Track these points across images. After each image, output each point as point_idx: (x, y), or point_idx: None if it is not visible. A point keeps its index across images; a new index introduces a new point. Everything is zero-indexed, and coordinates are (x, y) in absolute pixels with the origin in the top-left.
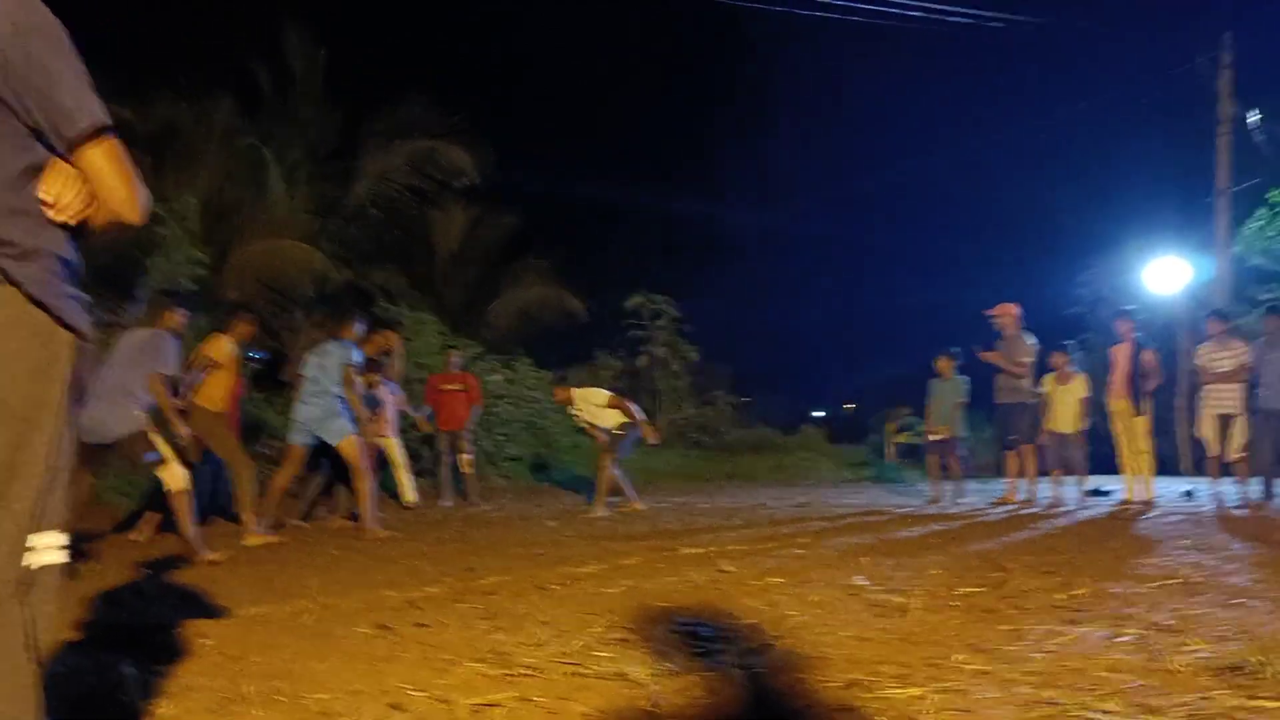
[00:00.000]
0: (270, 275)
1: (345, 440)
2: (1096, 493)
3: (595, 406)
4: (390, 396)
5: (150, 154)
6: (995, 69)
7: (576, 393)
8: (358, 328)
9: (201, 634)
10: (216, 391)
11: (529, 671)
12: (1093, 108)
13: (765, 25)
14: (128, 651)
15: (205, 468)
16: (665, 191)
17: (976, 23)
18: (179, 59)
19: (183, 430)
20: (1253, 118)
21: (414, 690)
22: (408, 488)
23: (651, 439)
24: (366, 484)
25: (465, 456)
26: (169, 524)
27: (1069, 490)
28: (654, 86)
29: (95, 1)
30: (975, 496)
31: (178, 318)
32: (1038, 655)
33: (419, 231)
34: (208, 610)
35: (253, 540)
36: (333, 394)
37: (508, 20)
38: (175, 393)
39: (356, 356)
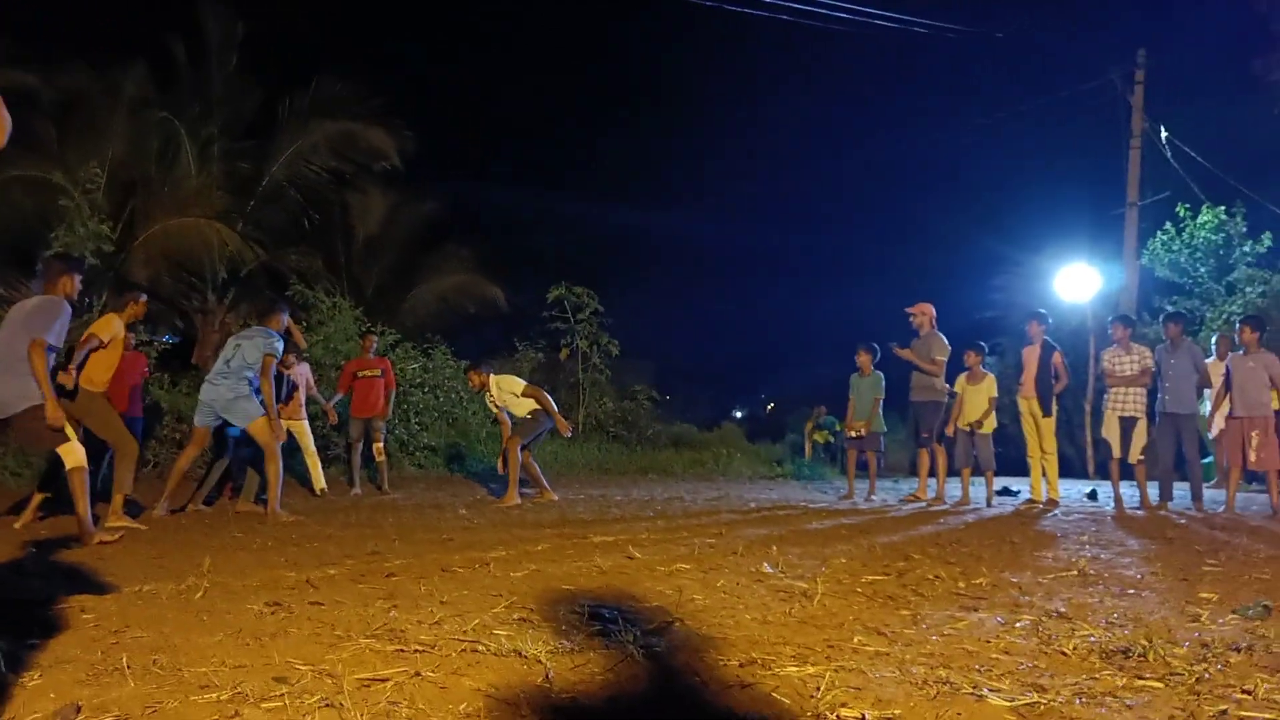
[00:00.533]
0: (180, 253)
1: (254, 423)
2: (1005, 492)
3: (511, 395)
4: (304, 379)
5: (54, 122)
6: (916, 78)
7: (493, 379)
8: (283, 318)
9: (82, 609)
10: (98, 372)
11: (423, 648)
12: (1009, 118)
13: (693, 26)
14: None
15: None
16: (592, 188)
17: (902, 28)
18: (88, 25)
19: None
20: (1164, 134)
21: (301, 664)
22: (318, 475)
23: (565, 432)
24: (276, 467)
25: (379, 445)
26: (67, 504)
27: (978, 488)
28: (579, 82)
29: None
30: (887, 494)
31: (72, 283)
32: (935, 638)
33: (337, 215)
34: (93, 587)
35: (116, 522)
36: (243, 377)
37: (432, 7)
38: (66, 364)
39: (279, 346)
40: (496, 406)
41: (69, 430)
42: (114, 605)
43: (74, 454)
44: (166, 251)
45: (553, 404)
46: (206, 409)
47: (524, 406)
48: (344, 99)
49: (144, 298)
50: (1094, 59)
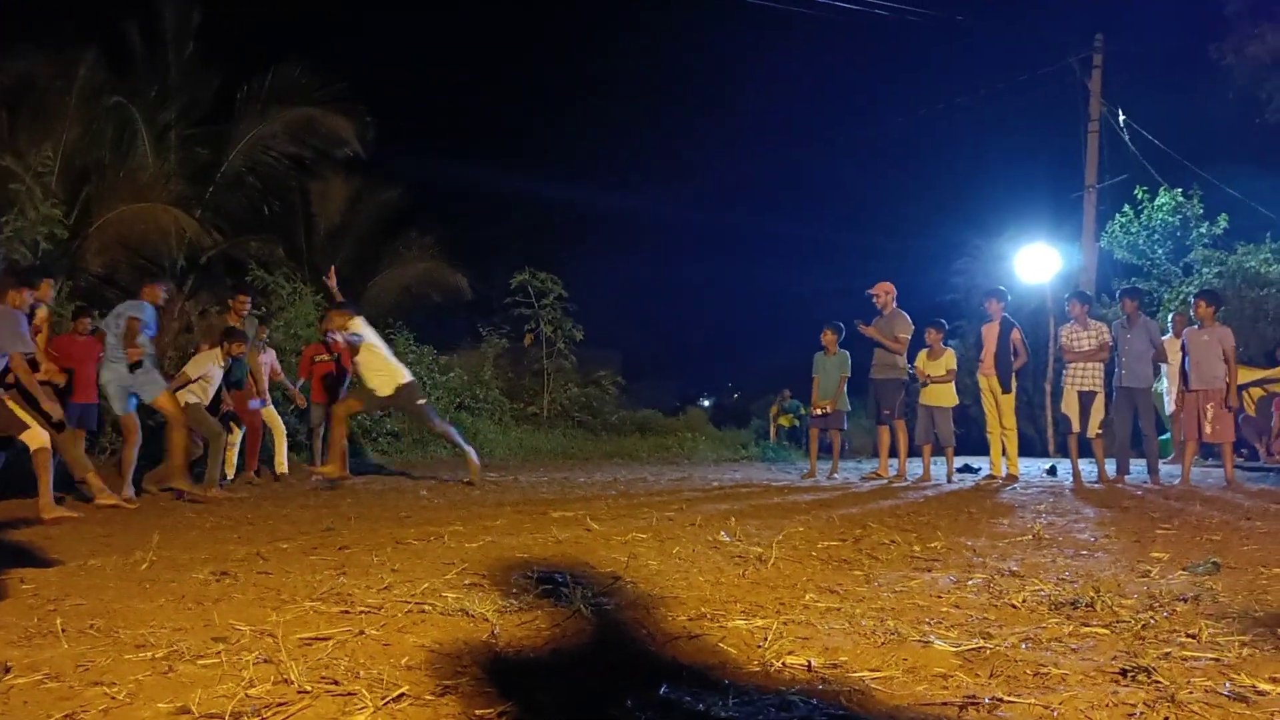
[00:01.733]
0: (137, 240)
1: (161, 395)
2: (965, 469)
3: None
4: (268, 365)
5: (5, 107)
6: (877, 61)
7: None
8: (159, 290)
9: (21, 580)
10: None
11: (369, 610)
12: (970, 103)
13: (652, 6)
14: None
15: None
16: (555, 174)
17: (864, 10)
18: (38, 7)
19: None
20: (1122, 117)
21: (242, 625)
22: (281, 458)
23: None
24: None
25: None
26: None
27: (938, 467)
28: (541, 66)
29: None
30: (850, 473)
31: (23, 296)
32: (887, 595)
33: (298, 202)
34: (36, 562)
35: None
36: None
37: None
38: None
39: (147, 314)
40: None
41: (25, 415)
42: (55, 577)
43: (36, 436)
44: (123, 238)
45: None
46: (119, 393)
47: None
48: (303, 84)
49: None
50: (1053, 44)
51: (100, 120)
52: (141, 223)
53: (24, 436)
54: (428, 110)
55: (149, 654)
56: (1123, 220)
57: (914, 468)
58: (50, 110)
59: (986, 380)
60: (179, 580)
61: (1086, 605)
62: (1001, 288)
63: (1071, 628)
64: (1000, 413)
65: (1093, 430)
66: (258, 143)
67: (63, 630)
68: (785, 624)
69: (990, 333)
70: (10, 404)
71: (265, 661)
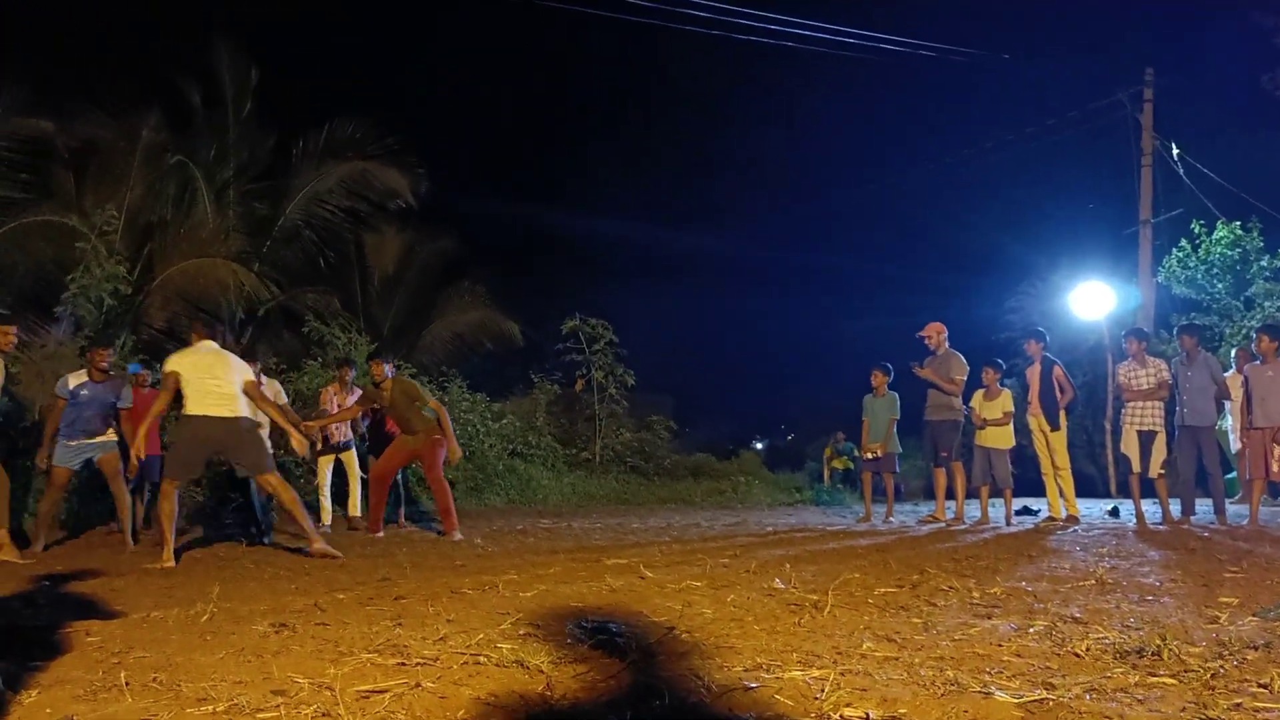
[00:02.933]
0: (198, 294)
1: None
2: (1025, 511)
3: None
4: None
5: (72, 169)
6: (929, 99)
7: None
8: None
9: (87, 633)
10: None
11: (425, 661)
12: (1021, 138)
13: (707, 51)
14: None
15: None
16: (605, 216)
17: (910, 51)
18: (103, 73)
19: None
20: (1175, 150)
21: (300, 678)
22: (355, 501)
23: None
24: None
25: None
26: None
27: (996, 509)
28: (593, 110)
29: (18, 12)
30: (906, 516)
31: (10, 336)
32: (947, 643)
33: (353, 254)
34: (100, 614)
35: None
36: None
37: (442, 44)
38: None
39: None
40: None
41: None
42: (119, 629)
43: None
44: (184, 292)
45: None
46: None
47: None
48: (356, 139)
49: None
50: (1102, 79)
51: (162, 179)
52: (202, 277)
53: None
54: (478, 156)
55: (210, 708)
56: (1180, 255)
57: (972, 510)
58: (115, 171)
59: (1036, 420)
60: (239, 632)
61: (1153, 653)
62: (1040, 328)
63: (1138, 677)
64: (1053, 452)
65: (1154, 470)
66: (313, 197)
67: (127, 684)
68: (843, 674)
69: (1033, 374)
70: None
71: (324, 716)
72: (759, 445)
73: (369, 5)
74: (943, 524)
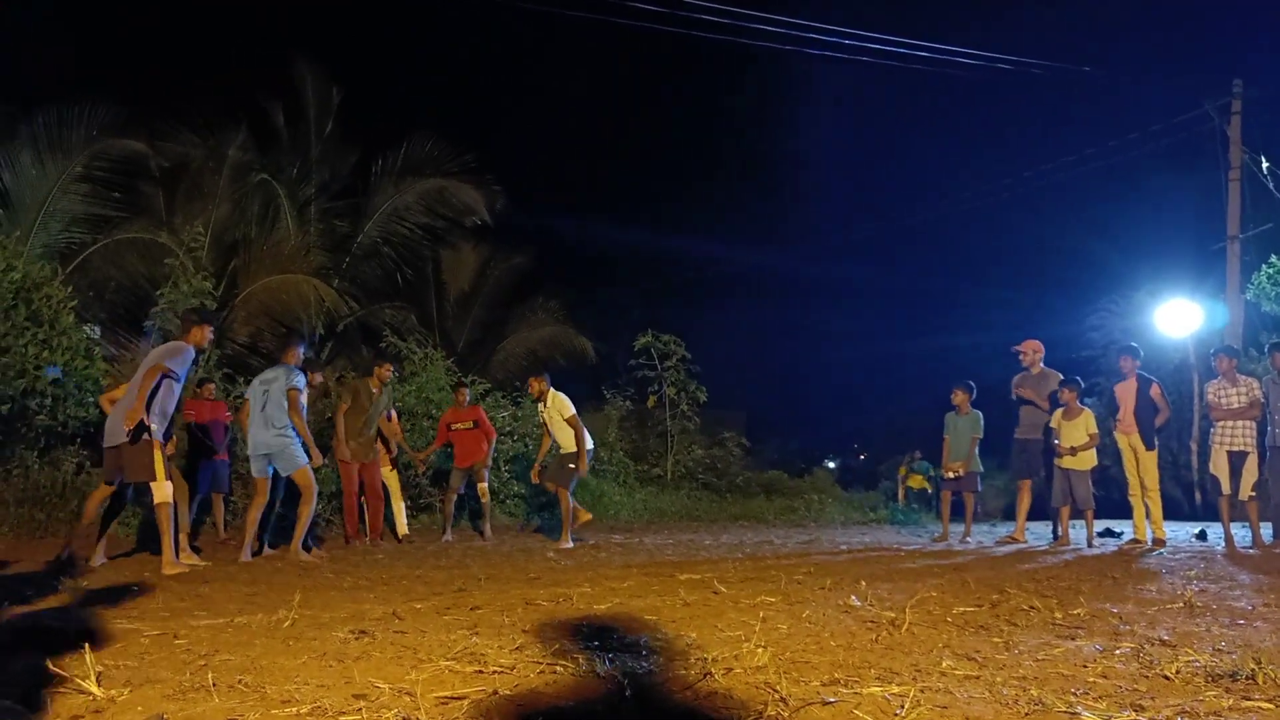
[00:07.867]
0: (279, 309)
1: (299, 471)
2: (1107, 533)
3: (558, 414)
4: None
5: (162, 187)
6: (1008, 114)
7: (552, 392)
8: (298, 352)
9: (175, 635)
10: None
11: (502, 670)
12: (1102, 152)
13: (782, 68)
14: (96, 652)
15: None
16: (679, 232)
17: (988, 64)
18: (193, 94)
19: None
20: (1265, 164)
21: (381, 683)
22: (402, 520)
23: (582, 471)
24: (309, 510)
25: (483, 486)
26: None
27: (1077, 530)
28: (667, 128)
29: (112, 37)
30: (984, 536)
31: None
32: (1029, 663)
33: (430, 270)
34: (188, 618)
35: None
36: (283, 423)
37: (521, 62)
38: None
39: (301, 380)
40: (546, 421)
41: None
42: (206, 633)
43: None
44: (267, 307)
45: (587, 440)
46: (260, 456)
47: (564, 432)
48: (434, 156)
49: None
50: (1188, 91)
51: (247, 197)
52: (284, 293)
53: (152, 485)
54: (552, 174)
55: (294, 709)
56: (1270, 271)
57: (1052, 527)
58: (203, 188)
59: (1126, 438)
60: (320, 638)
61: (1247, 677)
62: (1134, 344)
63: (1231, 701)
64: (1143, 473)
65: (1245, 492)
66: (392, 214)
67: (213, 685)
68: (923, 691)
69: (1127, 390)
70: (157, 450)
71: None
72: (831, 464)
73: (449, 25)
74: (1022, 544)
